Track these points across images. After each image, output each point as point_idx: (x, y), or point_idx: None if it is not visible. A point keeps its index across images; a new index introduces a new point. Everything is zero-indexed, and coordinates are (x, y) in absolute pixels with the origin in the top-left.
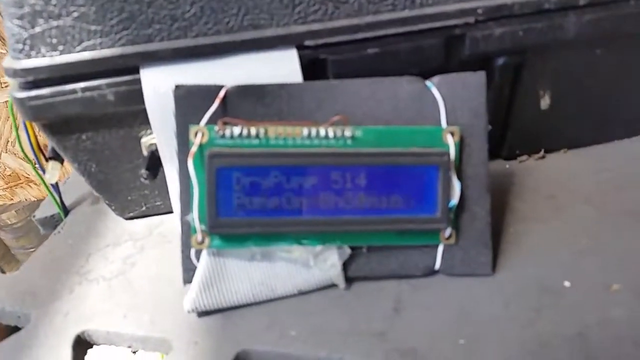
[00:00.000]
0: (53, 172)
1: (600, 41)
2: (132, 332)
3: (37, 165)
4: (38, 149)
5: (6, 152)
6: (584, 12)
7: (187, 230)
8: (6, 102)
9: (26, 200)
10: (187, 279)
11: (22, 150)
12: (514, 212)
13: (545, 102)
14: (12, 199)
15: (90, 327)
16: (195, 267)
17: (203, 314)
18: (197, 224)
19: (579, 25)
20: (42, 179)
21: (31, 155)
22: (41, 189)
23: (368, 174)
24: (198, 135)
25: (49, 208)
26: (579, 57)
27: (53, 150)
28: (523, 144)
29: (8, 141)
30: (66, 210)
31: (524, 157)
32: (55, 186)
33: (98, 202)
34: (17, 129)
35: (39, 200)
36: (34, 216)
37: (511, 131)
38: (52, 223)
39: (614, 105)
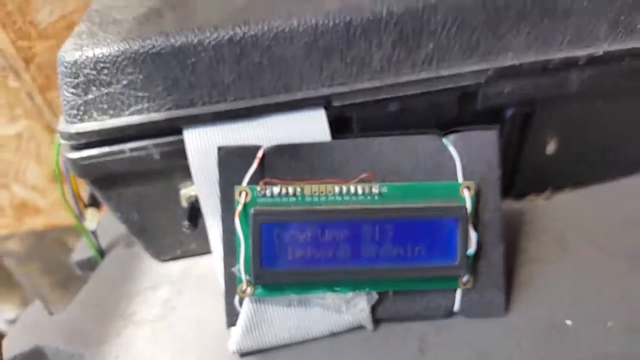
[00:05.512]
0: (92, 219)
1: (600, 94)
2: None
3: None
4: (79, 198)
5: (17, 182)
6: (584, 70)
7: (231, 280)
8: (17, 134)
9: (33, 229)
10: (231, 322)
11: (65, 201)
12: (525, 253)
13: (551, 148)
14: (19, 228)
15: None
16: (238, 312)
17: (245, 354)
18: (242, 274)
19: (580, 81)
20: (81, 226)
21: (73, 205)
22: (48, 217)
23: (394, 227)
24: (242, 195)
25: (85, 250)
26: (582, 107)
27: (92, 197)
28: (531, 185)
29: (18, 171)
30: (102, 253)
31: (533, 197)
32: (93, 231)
33: (133, 244)
34: (61, 182)
35: (45, 231)
36: (71, 259)
37: (520, 174)
38: (88, 265)
39: (615, 148)
